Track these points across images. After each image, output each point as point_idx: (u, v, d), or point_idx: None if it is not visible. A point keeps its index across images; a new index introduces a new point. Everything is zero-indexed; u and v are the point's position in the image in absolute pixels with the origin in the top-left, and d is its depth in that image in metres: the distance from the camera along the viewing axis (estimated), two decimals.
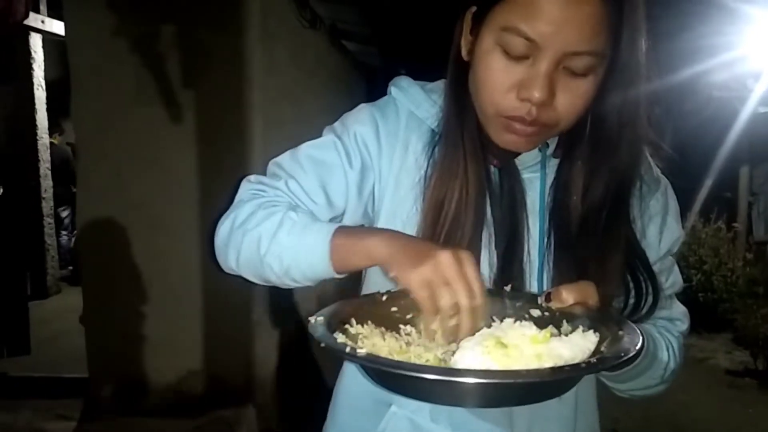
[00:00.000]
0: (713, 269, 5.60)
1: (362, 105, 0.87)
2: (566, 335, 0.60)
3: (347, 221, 0.83)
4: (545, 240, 0.79)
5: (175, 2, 2.84)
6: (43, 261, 5.59)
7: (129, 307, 2.89)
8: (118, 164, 2.88)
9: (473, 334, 0.60)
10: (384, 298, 0.70)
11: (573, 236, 0.78)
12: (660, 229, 0.85)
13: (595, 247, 0.76)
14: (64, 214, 6.50)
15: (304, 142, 0.87)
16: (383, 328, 0.66)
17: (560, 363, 0.54)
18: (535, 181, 0.80)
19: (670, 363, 0.82)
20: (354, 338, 0.62)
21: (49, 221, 5.63)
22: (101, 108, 2.87)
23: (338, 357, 0.56)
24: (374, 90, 0.92)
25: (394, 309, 0.69)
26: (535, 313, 0.66)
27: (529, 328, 0.61)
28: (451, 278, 0.59)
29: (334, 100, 4.77)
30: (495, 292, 0.71)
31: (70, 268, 6.21)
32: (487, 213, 0.78)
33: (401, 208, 0.81)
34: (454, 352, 0.60)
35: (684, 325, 0.89)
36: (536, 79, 0.67)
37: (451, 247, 0.63)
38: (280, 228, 0.73)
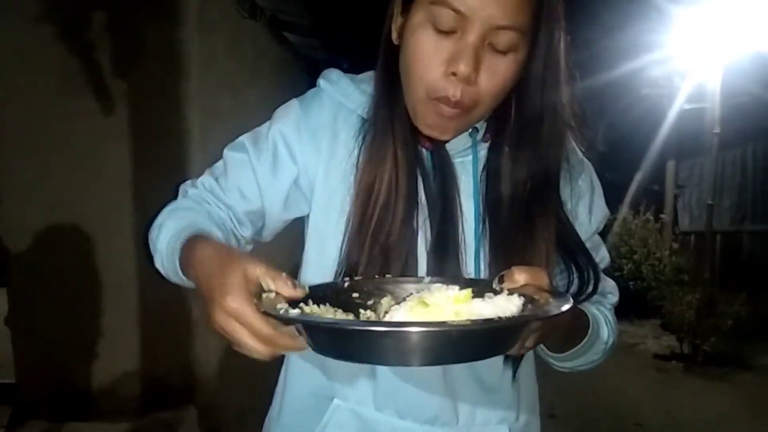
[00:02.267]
0: (642, 259, 5.89)
1: (291, 100, 0.88)
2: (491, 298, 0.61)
3: (269, 214, 0.85)
4: (480, 223, 0.81)
5: None
6: None
7: (58, 308, 2.76)
8: (45, 159, 2.74)
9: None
10: (345, 285, 0.70)
11: (506, 219, 0.80)
12: (589, 208, 0.89)
13: (528, 229, 0.79)
14: None
15: (243, 134, 0.89)
16: (340, 310, 0.65)
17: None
18: (468, 165, 0.82)
19: (610, 337, 0.86)
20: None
21: None
22: (25, 99, 2.72)
23: (276, 319, 0.55)
24: (316, 82, 0.91)
25: (355, 295, 0.69)
26: (488, 296, 0.66)
27: (453, 290, 0.63)
28: (233, 335, 0.58)
29: (276, 92, 4.69)
30: (453, 280, 0.71)
31: None
32: (420, 196, 0.79)
33: (334, 197, 0.81)
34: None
35: (615, 298, 0.94)
36: (463, 51, 0.70)
37: (224, 300, 0.58)
38: (157, 238, 0.79)
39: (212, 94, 3.14)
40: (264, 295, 0.59)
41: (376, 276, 0.74)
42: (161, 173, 2.87)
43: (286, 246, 1.09)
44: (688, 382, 4.44)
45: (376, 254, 0.75)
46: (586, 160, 0.90)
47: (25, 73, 2.69)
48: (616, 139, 5.74)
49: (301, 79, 5.95)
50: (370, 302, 0.69)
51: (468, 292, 0.61)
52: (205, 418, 2.85)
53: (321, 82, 0.86)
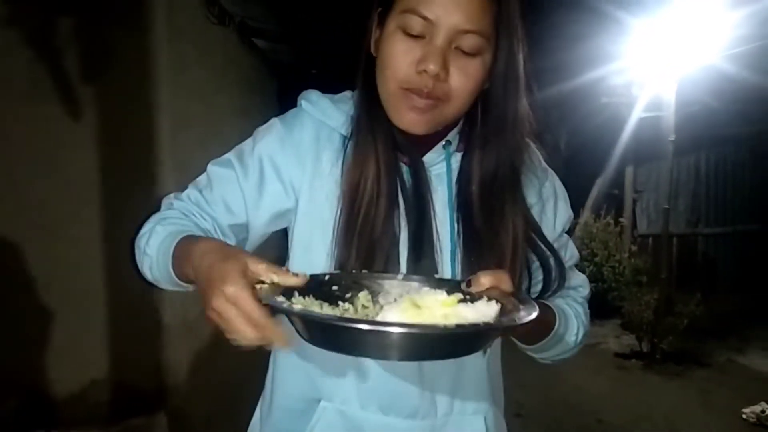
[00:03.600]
0: (603, 261, 6.06)
1: (273, 120, 0.92)
2: (473, 303, 0.69)
3: (254, 233, 0.89)
4: (455, 227, 0.87)
5: None
6: None
7: (25, 314, 2.71)
8: (11, 165, 2.68)
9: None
10: (326, 278, 0.75)
11: (477, 220, 0.86)
12: (554, 211, 0.97)
13: (498, 228, 0.86)
14: None
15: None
16: (323, 302, 0.71)
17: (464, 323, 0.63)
18: (443, 176, 0.89)
19: (580, 329, 0.94)
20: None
21: None
22: None
23: (278, 311, 0.61)
24: (286, 89, 0.95)
25: (335, 288, 0.75)
26: (458, 297, 0.74)
27: (441, 294, 0.71)
28: (228, 321, 0.61)
29: (245, 98, 4.68)
30: (424, 279, 0.79)
31: None
32: (400, 203, 0.85)
33: (319, 212, 0.85)
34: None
35: (586, 291, 1.03)
36: (432, 53, 0.77)
37: (224, 286, 0.62)
38: (147, 243, 0.83)
39: (181, 100, 3.13)
40: (258, 287, 0.64)
41: (354, 271, 0.80)
42: (130, 179, 2.85)
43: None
44: (647, 379, 4.60)
45: (363, 249, 0.80)
46: (548, 168, 0.98)
47: None
48: (578, 146, 5.91)
49: (270, 85, 5.94)
50: (348, 295, 0.75)
51: (455, 298, 0.69)
52: (177, 425, 2.84)
53: (302, 102, 0.91)
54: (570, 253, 1.00)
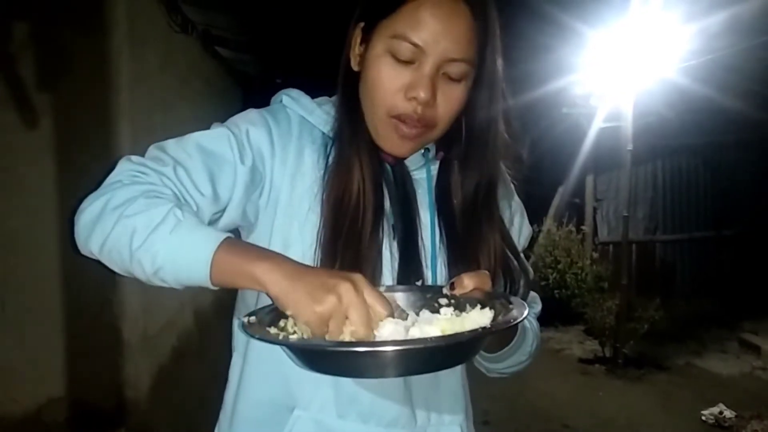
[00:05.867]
0: (566, 268, 6.17)
1: (251, 109, 0.88)
2: (467, 313, 0.70)
3: (225, 219, 0.82)
4: (436, 231, 0.89)
5: None
6: None
7: None
8: None
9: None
10: None
11: (459, 226, 0.88)
12: (519, 227, 1.01)
13: (478, 234, 0.87)
14: None
15: None
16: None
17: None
18: (422, 181, 0.90)
19: (534, 341, 0.95)
20: (284, 330, 0.67)
21: None
22: None
23: (272, 343, 0.62)
24: (251, 98, 0.93)
25: None
26: (443, 301, 0.75)
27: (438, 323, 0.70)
28: (353, 310, 0.62)
29: (209, 107, 4.62)
30: (408, 288, 0.80)
31: None
32: (385, 207, 0.86)
33: (299, 207, 0.84)
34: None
35: (538, 307, 1.04)
36: (421, 80, 0.78)
37: (343, 276, 0.64)
38: (162, 224, 0.68)
39: (143, 109, 3.07)
40: (245, 320, 0.66)
41: None
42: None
43: None
44: (610, 384, 4.68)
45: (349, 261, 0.79)
46: (512, 186, 1.01)
47: None
48: (540, 155, 6.02)
49: (234, 93, 5.88)
50: None
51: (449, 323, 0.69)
52: None
53: (283, 98, 0.90)
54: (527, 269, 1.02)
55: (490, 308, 0.69)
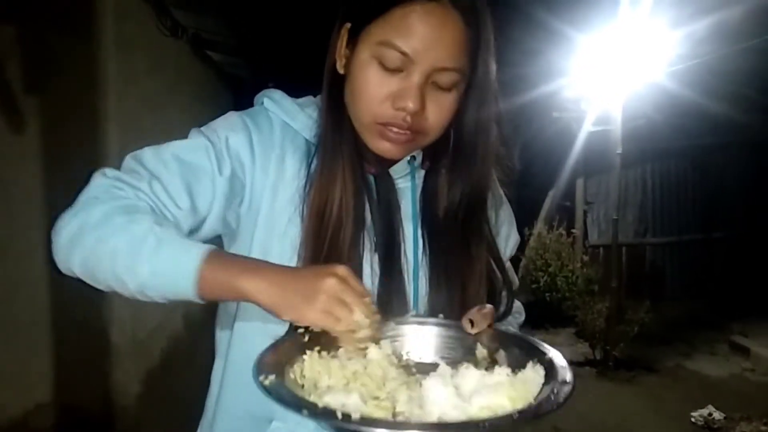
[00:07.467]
0: (557, 271, 6.19)
1: (232, 112, 0.85)
2: (522, 373, 0.66)
3: (206, 229, 0.80)
4: (419, 244, 0.86)
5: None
6: None
7: None
8: None
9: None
10: (306, 338, 0.69)
11: (443, 239, 0.86)
12: (506, 236, 0.99)
13: (463, 247, 0.85)
14: None
15: None
16: (325, 356, 0.67)
17: (531, 400, 0.61)
18: (407, 190, 0.87)
19: None
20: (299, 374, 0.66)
21: None
22: None
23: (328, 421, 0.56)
24: (241, 101, 0.91)
25: (317, 347, 0.69)
26: (480, 354, 0.74)
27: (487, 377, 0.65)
28: (345, 297, 0.64)
29: (199, 111, 4.60)
30: (403, 320, 0.78)
31: None
32: (366, 219, 0.83)
33: (279, 218, 0.82)
34: (421, 384, 0.65)
35: (522, 317, 1.03)
36: (410, 90, 0.75)
37: (327, 269, 0.66)
38: (143, 243, 0.67)
39: (132, 112, 3.04)
40: (262, 378, 0.62)
41: None
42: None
43: None
44: (601, 386, 4.69)
45: None
46: (502, 193, 0.99)
47: None
48: (530, 159, 6.04)
49: (224, 97, 5.86)
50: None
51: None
52: None
53: (265, 101, 0.86)
54: (513, 279, 1.01)
55: (534, 361, 0.66)
